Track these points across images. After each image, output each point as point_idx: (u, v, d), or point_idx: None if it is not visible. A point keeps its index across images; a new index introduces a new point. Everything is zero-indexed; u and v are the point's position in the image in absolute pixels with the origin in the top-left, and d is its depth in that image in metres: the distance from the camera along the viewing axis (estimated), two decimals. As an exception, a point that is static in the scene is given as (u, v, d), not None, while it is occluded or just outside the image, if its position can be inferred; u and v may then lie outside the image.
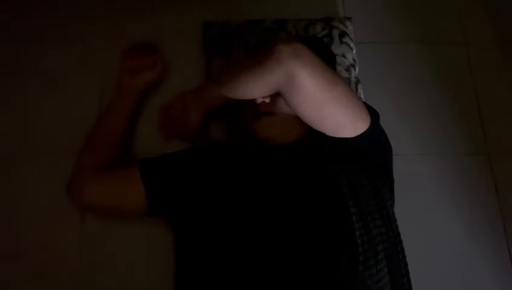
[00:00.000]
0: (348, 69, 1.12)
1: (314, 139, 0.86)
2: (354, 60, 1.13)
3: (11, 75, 1.15)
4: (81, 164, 0.96)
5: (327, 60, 0.86)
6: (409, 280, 0.83)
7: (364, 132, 0.82)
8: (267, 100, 0.90)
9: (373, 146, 0.85)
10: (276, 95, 0.88)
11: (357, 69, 1.13)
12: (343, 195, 0.80)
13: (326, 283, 0.75)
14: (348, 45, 1.14)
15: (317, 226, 0.78)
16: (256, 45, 1.12)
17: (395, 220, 0.86)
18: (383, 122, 0.88)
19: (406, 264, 0.83)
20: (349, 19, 1.19)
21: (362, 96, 1.10)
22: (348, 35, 1.15)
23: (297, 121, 0.88)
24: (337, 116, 0.81)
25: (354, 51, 1.14)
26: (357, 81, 1.12)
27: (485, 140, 1.12)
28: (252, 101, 0.91)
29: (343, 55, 1.12)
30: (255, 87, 0.85)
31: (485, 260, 1.02)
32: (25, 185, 1.04)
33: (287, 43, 0.79)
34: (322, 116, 0.81)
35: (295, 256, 0.76)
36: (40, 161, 1.06)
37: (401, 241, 0.84)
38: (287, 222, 0.79)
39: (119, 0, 1.23)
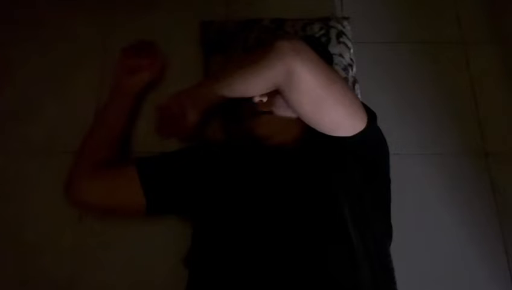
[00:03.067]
0: (345, 69, 1.12)
1: (312, 139, 0.86)
2: (352, 60, 1.13)
3: (10, 75, 1.15)
4: (79, 164, 0.96)
5: (324, 59, 0.86)
6: None
7: (362, 132, 0.82)
8: (265, 99, 0.90)
9: (370, 146, 0.85)
10: (274, 94, 0.88)
11: (354, 69, 1.13)
12: (339, 203, 0.80)
13: (324, 284, 0.75)
14: (346, 45, 1.14)
15: (313, 229, 0.78)
16: (254, 43, 1.12)
17: (391, 226, 0.87)
18: (381, 121, 0.88)
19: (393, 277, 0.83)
20: (346, 18, 1.19)
21: (359, 96, 1.10)
22: (346, 35, 1.15)
23: (295, 119, 0.88)
24: (335, 114, 0.81)
25: (352, 51, 1.14)
26: (355, 81, 1.12)
27: (482, 139, 1.12)
28: (250, 100, 0.91)
29: (341, 55, 1.12)
30: (254, 84, 0.85)
31: (482, 258, 1.02)
32: (23, 184, 1.04)
33: (287, 39, 0.80)
34: (320, 113, 0.81)
35: (292, 258, 0.76)
36: (38, 160, 1.06)
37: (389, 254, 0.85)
38: (283, 225, 0.79)
39: (118, 0, 1.24)
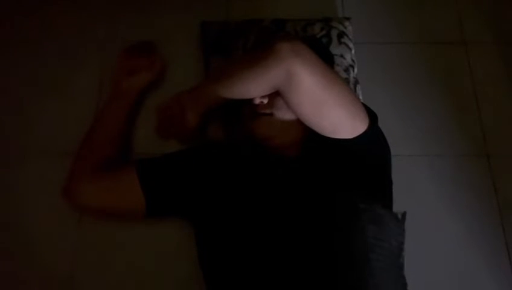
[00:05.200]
0: (346, 70, 1.11)
1: (313, 141, 0.85)
2: (353, 61, 1.13)
3: (10, 75, 1.15)
4: (78, 165, 0.95)
5: (325, 60, 0.85)
6: None
7: (363, 133, 0.81)
8: (265, 101, 0.90)
9: (371, 148, 0.85)
10: (274, 96, 0.88)
11: (355, 70, 1.13)
12: (338, 206, 0.79)
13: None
14: (347, 45, 1.14)
15: (311, 231, 0.78)
16: (255, 44, 1.12)
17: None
18: (382, 122, 0.88)
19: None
20: (348, 19, 1.19)
21: (361, 97, 1.10)
22: (347, 36, 1.15)
23: (296, 121, 0.88)
24: (335, 116, 0.81)
25: (353, 52, 1.14)
26: (356, 82, 1.11)
27: (484, 140, 1.12)
28: (250, 102, 0.91)
29: (342, 56, 1.12)
30: (254, 86, 0.85)
31: (484, 259, 1.01)
32: (23, 185, 1.04)
33: (287, 40, 0.80)
34: (320, 115, 0.81)
35: (295, 260, 0.76)
36: (38, 162, 1.06)
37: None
38: (285, 228, 0.79)
39: (118, 0, 1.23)
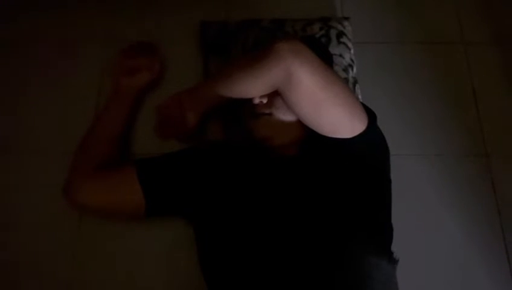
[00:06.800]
0: (345, 69, 1.11)
1: (312, 140, 0.86)
2: (352, 60, 1.13)
3: (10, 75, 1.15)
4: (77, 165, 0.95)
5: (324, 60, 0.85)
6: None
7: (362, 133, 0.81)
8: (265, 101, 0.90)
9: (370, 147, 0.85)
10: (274, 95, 0.88)
11: (354, 69, 1.13)
12: (338, 207, 0.79)
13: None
14: (346, 45, 1.14)
15: (311, 232, 0.78)
16: (254, 44, 1.12)
17: (391, 227, 0.86)
18: (381, 122, 0.88)
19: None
20: (347, 18, 1.19)
21: (360, 96, 1.10)
22: (346, 35, 1.15)
23: (295, 121, 0.88)
24: (334, 116, 0.81)
25: (352, 51, 1.14)
26: (355, 82, 1.11)
27: (483, 140, 1.12)
28: (250, 102, 0.91)
29: (341, 55, 1.12)
30: (254, 85, 0.85)
31: (483, 259, 1.01)
32: (23, 185, 1.04)
33: (286, 41, 0.80)
34: (319, 115, 0.81)
35: (294, 261, 0.76)
36: (38, 162, 1.06)
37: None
38: (284, 228, 0.79)
39: (117, 0, 1.23)
